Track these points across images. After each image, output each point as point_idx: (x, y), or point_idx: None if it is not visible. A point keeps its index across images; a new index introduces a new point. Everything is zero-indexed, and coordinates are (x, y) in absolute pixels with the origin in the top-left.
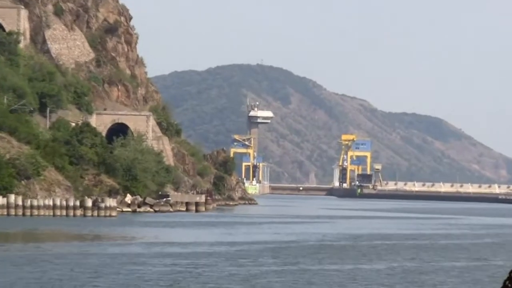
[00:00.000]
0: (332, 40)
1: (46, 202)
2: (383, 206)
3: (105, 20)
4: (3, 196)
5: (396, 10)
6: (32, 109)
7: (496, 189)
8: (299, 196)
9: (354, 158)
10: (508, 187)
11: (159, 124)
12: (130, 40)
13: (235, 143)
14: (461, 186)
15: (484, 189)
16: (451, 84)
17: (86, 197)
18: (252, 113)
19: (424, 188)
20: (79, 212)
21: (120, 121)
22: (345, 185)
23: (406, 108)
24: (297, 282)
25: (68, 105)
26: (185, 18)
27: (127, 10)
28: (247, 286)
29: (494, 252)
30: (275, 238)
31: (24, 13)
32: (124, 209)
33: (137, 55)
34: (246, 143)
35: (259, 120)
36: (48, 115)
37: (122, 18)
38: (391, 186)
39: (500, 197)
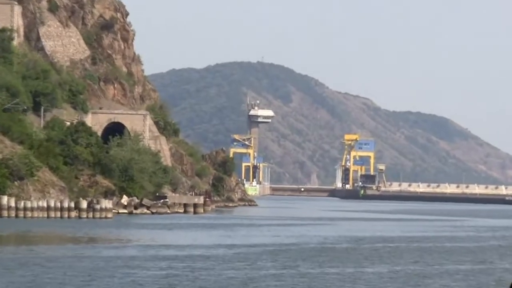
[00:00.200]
0: (335, 37)
1: (40, 203)
2: (387, 208)
3: (101, 16)
4: None
5: (402, 7)
6: (25, 108)
7: (503, 190)
8: (300, 198)
9: (357, 158)
10: None
11: (156, 123)
12: (127, 37)
13: (235, 143)
14: (467, 187)
15: (490, 190)
16: (457, 83)
17: (81, 199)
18: (252, 112)
19: (429, 189)
20: (73, 213)
21: (116, 120)
22: (348, 186)
23: (410, 106)
24: (297, 286)
25: (62, 104)
26: (183, 14)
27: (124, 6)
28: None
29: (500, 255)
30: (274, 240)
31: (17, 9)
32: (120, 211)
33: (134, 53)
34: (246, 143)
35: (259, 119)
36: (42, 114)
37: (119, 14)
38: (395, 187)
39: (507, 198)
